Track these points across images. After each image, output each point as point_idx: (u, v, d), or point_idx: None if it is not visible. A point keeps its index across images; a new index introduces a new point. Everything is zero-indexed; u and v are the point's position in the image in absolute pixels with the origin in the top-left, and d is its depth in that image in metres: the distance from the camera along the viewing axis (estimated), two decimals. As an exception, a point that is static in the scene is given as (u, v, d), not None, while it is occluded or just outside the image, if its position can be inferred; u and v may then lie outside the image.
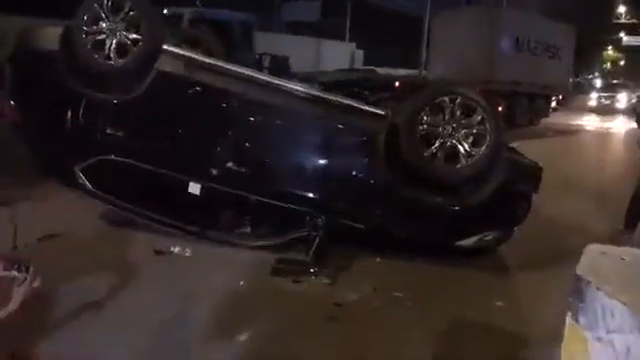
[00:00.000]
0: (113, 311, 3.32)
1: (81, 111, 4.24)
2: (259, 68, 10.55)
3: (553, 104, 24.62)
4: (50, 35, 4.30)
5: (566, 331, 1.43)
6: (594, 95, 28.05)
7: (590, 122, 21.10)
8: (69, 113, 4.26)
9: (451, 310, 3.64)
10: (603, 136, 17.02)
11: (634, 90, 27.25)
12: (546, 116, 17.68)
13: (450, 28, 14.75)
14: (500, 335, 3.39)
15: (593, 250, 1.59)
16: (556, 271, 4.32)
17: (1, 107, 4.84)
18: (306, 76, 11.97)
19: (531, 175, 4.41)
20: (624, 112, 23.81)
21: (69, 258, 4.06)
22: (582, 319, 1.38)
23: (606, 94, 27.53)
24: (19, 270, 2.37)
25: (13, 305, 2.27)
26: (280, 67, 12.28)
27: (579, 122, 20.30)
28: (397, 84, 12.65)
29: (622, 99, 26.28)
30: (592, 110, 25.78)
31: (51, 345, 2.90)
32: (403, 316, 3.53)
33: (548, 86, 16.59)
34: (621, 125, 19.59)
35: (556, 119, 18.51)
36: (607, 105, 25.98)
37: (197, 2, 12.03)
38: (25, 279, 2.34)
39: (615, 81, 33.35)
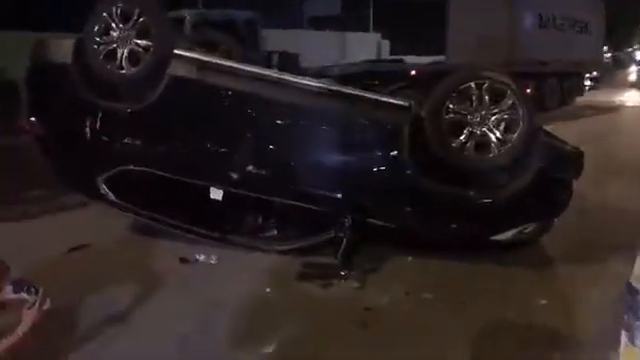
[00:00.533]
0: (139, 322, 3.28)
1: (98, 122, 4.20)
2: (268, 66, 10.28)
3: (588, 82, 23.58)
4: (63, 47, 4.26)
5: (621, 352, 1.21)
6: (634, 69, 26.78)
7: (631, 98, 19.96)
8: (87, 125, 4.22)
9: (488, 311, 3.40)
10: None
11: None
12: (580, 95, 16.82)
13: (468, 9, 14.07)
14: (542, 337, 3.14)
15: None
16: (603, 265, 4.05)
17: (23, 123, 4.88)
18: (316, 71, 11.59)
19: (571, 161, 4.11)
20: None
21: (97, 268, 4.08)
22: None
23: None
24: (29, 292, 2.29)
25: (23, 328, 2.20)
26: (289, 64, 11.94)
27: (619, 98, 19.27)
28: (413, 73, 12.06)
29: None
30: (633, 85, 24.48)
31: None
32: (436, 319, 3.32)
33: (579, 63, 15.69)
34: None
35: (593, 97, 17.68)
36: None
37: (199, 4, 11.84)
38: (35, 302, 2.26)
39: None
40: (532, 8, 13.84)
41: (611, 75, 26.96)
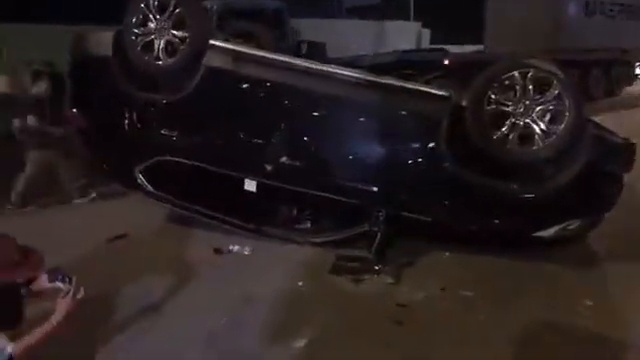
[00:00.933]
0: (172, 314, 3.32)
1: (136, 113, 4.25)
2: (297, 56, 9.99)
3: (638, 70, 21.96)
4: (103, 40, 4.32)
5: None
6: None
7: None
8: (126, 116, 4.28)
9: (529, 311, 3.26)
10: None
11: None
12: (629, 84, 15.80)
13: None
14: (587, 338, 2.99)
15: None
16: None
17: (66, 114, 5.02)
18: (346, 62, 11.18)
19: (621, 153, 3.88)
20: None
21: (134, 259, 4.17)
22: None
23: None
24: (63, 281, 2.33)
25: (57, 317, 2.23)
26: (317, 53, 11.64)
27: None
28: (446, 62, 11.24)
29: None
30: None
31: (110, 352, 2.90)
32: (474, 318, 3.21)
33: (629, 51, 14.65)
34: None
35: None
36: None
37: None
38: (69, 291, 2.29)
39: None
40: None
41: None
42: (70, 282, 2.33)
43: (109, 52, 4.29)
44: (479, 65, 3.83)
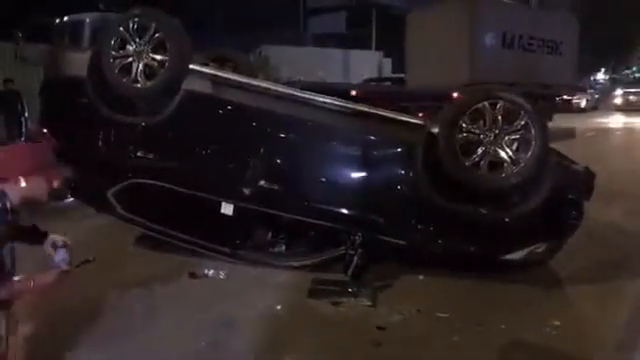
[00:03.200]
0: (147, 339, 3.24)
1: (111, 135, 4.21)
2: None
3: (583, 103, 22.87)
4: (78, 60, 4.29)
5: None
6: (619, 92, 24.68)
7: (613, 123, 19.29)
8: (99, 138, 4.24)
9: (501, 331, 3.38)
10: (626, 143, 14.80)
11: None
12: (549, 119, 15.74)
13: (427, 27, 12.74)
14: (560, 356, 3.12)
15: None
16: (613, 284, 4.06)
17: (35, 134, 4.90)
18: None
19: (582, 181, 4.12)
20: None
21: (104, 284, 4.02)
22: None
23: (633, 90, 24.08)
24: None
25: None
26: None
27: (600, 123, 18.73)
28: (353, 92, 10.41)
29: None
30: (618, 109, 23.21)
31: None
32: (450, 339, 3.29)
33: (549, 86, 13.97)
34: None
35: (570, 122, 16.42)
36: (633, 102, 22.80)
37: (100, 5, 10.68)
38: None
39: None
40: (495, 26, 12.54)
41: (605, 97, 25.88)
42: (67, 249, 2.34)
43: (84, 72, 4.26)
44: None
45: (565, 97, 16.72)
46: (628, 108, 22.42)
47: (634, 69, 43.35)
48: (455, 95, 9.97)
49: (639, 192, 7.19)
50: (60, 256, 2.32)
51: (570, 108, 19.34)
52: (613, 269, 4.39)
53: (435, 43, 12.14)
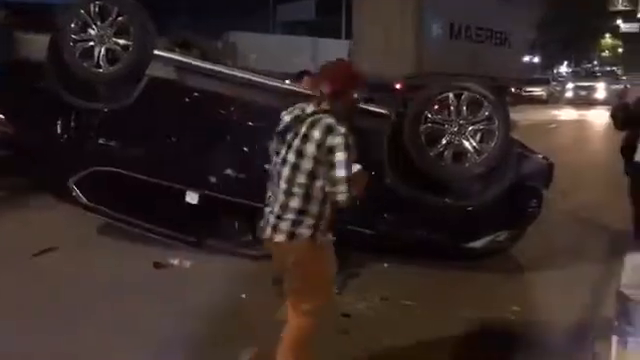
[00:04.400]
0: (106, 330, 3.18)
1: (72, 122, 4.10)
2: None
3: (544, 96, 23.07)
4: (38, 44, 4.14)
5: (613, 357, 1.26)
6: (570, 86, 24.66)
7: (566, 115, 19.57)
8: (60, 124, 4.12)
9: (464, 316, 3.47)
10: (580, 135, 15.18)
11: (617, 79, 24.29)
12: None
13: (373, 16, 12.02)
14: (519, 341, 3.22)
15: (635, 261, 1.42)
16: (571, 269, 4.22)
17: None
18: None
19: (542, 171, 4.25)
20: (603, 103, 20.79)
21: (64, 274, 3.93)
22: (632, 344, 1.21)
23: (584, 84, 24.38)
24: None
25: None
26: None
27: (555, 115, 19.10)
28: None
29: (601, 89, 23.24)
30: (569, 102, 23.40)
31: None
32: (415, 325, 3.36)
33: (497, 78, 12.68)
34: (599, 119, 17.01)
35: (524, 115, 15.98)
36: (584, 96, 23.03)
37: None
38: None
39: (611, 68, 31.74)
40: (443, 16, 12.01)
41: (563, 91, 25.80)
42: None
43: (43, 56, 4.12)
44: None
45: (513, 90, 16.63)
46: (579, 101, 22.58)
47: (595, 63, 44.73)
48: (398, 86, 9.95)
49: (594, 182, 7.46)
50: None
51: (529, 100, 19.44)
52: (571, 255, 4.56)
53: (380, 31, 11.57)
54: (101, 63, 3.90)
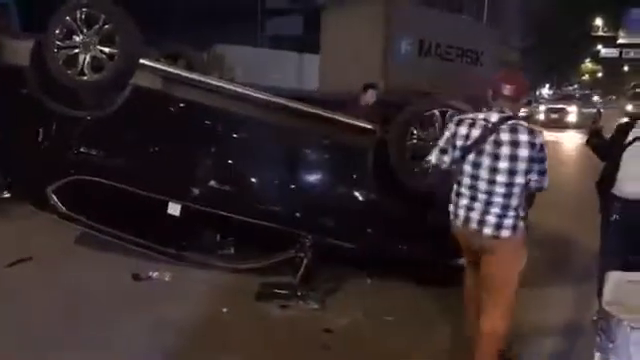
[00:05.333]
0: (84, 342, 3.09)
1: (53, 129, 4.03)
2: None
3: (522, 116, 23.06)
4: (20, 49, 4.07)
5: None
6: (542, 108, 23.68)
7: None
8: (40, 131, 4.04)
9: (448, 333, 3.45)
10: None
11: (588, 102, 23.81)
12: None
13: (340, 31, 11.67)
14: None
15: (616, 278, 1.42)
16: (554, 284, 4.26)
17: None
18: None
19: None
20: (576, 126, 20.46)
21: (39, 285, 3.83)
22: (614, 361, 1.20)
23: (556, 106, 23.40)
24: None
25: None
26: None
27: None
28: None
29: (574, 112, 22.41)
30: (542, 125, 21.71)
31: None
32: (397, 343, 3.32)
33: (469, 97, 13.38)
34: (572, 141, 16.88)
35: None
36: (556, 119, 22.23)
37: None
38: None
39: (587, 92, 31.51)
40: (412, 33, 11.56)
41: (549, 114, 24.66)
42: None
43: (25, 62, 4.06)
44: None
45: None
46: (551, 125, 21.36)
47: (576, 86, 45.75)
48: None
49: (571, 202, 7.55)
50: None
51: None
52: (553, 270, 4.58)
53: (348, 46, 11.22)
54: (85, 71, 3.84)
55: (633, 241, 3.40)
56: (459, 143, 2.72)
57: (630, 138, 3.53)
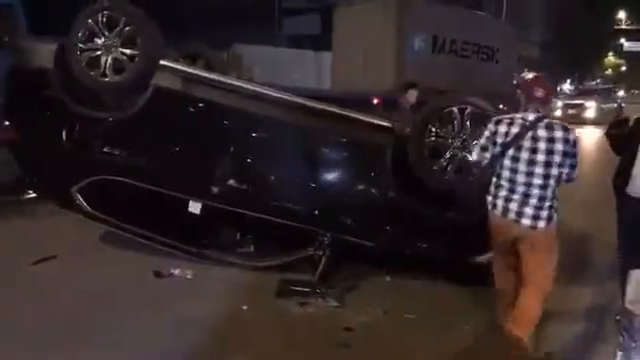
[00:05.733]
0: (109, 340, 3.15)
1: (77, 130, 4.12)
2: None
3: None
4: (44, 52, 4.17)
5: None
6: (559, 104, 22.57)
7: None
8: (65, 132, 4.13)
9: (469, 332, 3.43)
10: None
11: (609, 97, 22.25)
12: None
13: (352, 28, 11.47)
14: (522, 357, 3.18)
15: (639, 277, 1.41)
16: (574, 284, 4.16)
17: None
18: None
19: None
20: (595, 122, 19.44)
21: (63, 282, 3.91)
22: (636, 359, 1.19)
23: (573, 102, 22.67)
24: None
25: None
26: None
27: None
28: None
29: (592, 107, 21.60)
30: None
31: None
32: (418, 339, 3.32)
33: (485, 94, 12.56)
34: (591, 137, 16.11)
35: None
36: (574, 114, 21.20)
37: None
38: None
39: (609, 86, 30.46)
40: (425, 29, 11.38)
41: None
42: None
43: (50, 65, 4.15)
44: None
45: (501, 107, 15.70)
46: (569, 120, 19.11)
47: (598, 81, 44.84)
48: (375, 101, 9.31)
49: (593, 197, 7.41)
50: None
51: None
52: (576, 268, 4.51)
53: (360, 44, 11.07)
54: (107, 72, 3.91)
55: None
56: (499, 140, 2.94)
57: None
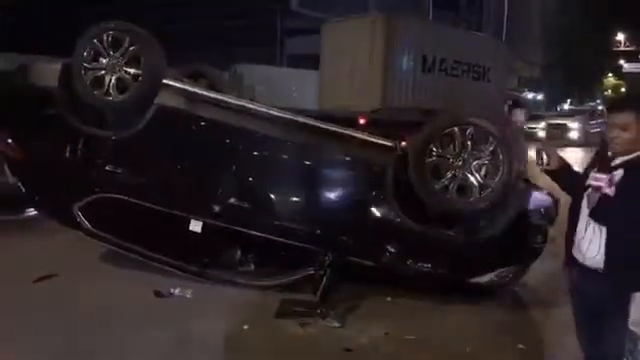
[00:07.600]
0: (111, 359, 3.12)
1: (80, 148, 4.14)
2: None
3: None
4: (49, 71, 4.22)
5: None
6: (542, 125, 21.49)
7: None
8: (68, 150, 4.15)
9: (468, 353, 3.40)
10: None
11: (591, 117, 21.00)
12: None
13: (340, 47, 11.17)
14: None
15: (642, 299, 1.40)
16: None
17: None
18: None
19: (546, 207, 4.23)
20: (580, 145, 18.44)
21: (63, 300, 3.89)
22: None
23: (557, 122, 21.57)
24: None
25: None
26: None
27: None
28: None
29: (575, 130, 20.46)
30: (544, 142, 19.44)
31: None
32: (418, 361, 3.29)
33: (475, 114, 12.00)
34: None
35: None
36: (558, 135, 20.05)
37: None
38: None
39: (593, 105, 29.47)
40: (414, 48, 11.12)
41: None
42: None
43: (54, 83, 4.20)
44: None
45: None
46: (553, 141, 18.83)
47: (598, 101, 45.04)
48: (362, 121, 9.17)
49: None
50: None
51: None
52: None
53: (347, 61, 10.79)
54: (111, 91, 3.96)
55: None
56: None
57: None
